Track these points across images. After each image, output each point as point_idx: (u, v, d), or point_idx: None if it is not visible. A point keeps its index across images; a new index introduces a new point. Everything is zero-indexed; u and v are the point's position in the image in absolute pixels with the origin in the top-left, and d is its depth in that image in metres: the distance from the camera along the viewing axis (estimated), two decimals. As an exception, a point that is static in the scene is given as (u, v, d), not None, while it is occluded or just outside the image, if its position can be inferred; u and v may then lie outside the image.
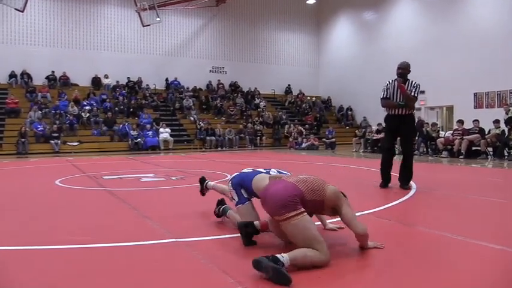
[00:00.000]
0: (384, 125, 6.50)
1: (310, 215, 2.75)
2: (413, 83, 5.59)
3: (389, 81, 5.72)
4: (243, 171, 3.57)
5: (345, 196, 2.90)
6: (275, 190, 2.70)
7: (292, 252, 2.46)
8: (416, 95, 5.53)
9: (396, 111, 5.60)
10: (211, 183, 4.17)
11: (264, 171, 3.48)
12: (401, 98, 5.52)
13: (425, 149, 13.53)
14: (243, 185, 3.42)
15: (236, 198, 3.42)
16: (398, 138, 6.02)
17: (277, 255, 2.37)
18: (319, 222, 3.44)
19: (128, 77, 21.42)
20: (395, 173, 5.84)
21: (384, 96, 5.70)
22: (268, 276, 2.30)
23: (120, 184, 6.80)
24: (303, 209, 2.61)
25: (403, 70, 5.61)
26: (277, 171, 3.50)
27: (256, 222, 3.02)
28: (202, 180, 4.21)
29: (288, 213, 2.56)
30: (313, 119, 22.63)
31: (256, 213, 3.37)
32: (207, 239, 3.23)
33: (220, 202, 3.79)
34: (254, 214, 3.35)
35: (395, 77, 5.67)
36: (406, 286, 2.30)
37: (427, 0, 19.19)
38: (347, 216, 2.79)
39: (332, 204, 2.80)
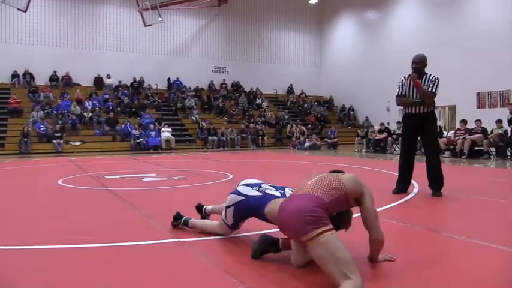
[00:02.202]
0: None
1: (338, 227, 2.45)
2: (431, 77, 5.09)
3: (404, 77, 5.27)
4: (250, 193, 2.93)
5: None
6: (292, 209, 2.33)
7: None
8: (434, 90, 5.03)
9: (414, 109, 5.17)
10: (209, 207, 3.64)
11: (279, 194, 2.88)
12: (417, 94, 5.11)
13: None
14: (247, 216, 2.99)
15: (229, 222, 3.05)
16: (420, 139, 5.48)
17: None
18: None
19: (134, 77, 21.48)
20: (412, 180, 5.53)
21: (399, 93, 5.26)
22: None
23: (122, 184, 6.80)
24: (331, 225, 2.25)
25: (418, 64, 5.11)
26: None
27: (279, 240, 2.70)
28: (199, 208, 3.70)
29: (315, 229, 2.20)
30: (315, 119, 22.62)
31: None
32: (208, 239, 3.21)
33: (177, 217, 3.49)
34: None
35: (402, 75, 5.34)
36: (406, 286, 2.30)
37: (429, 0, 19.17)
38: (368, 212, 2.43)
39: (355, 194, 2.45)
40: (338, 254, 2.12)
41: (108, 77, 21.19)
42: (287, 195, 2.81)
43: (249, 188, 2.96)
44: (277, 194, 2.87)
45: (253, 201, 2.85)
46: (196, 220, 3.47)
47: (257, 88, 24.02)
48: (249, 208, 2.88)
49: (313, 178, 2.53)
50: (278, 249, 2.68)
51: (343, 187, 2.41)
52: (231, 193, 3.03)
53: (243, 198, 2.91)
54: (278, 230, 2.63)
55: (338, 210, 2.47)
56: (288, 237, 2.59)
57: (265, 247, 2.66)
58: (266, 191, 2.91)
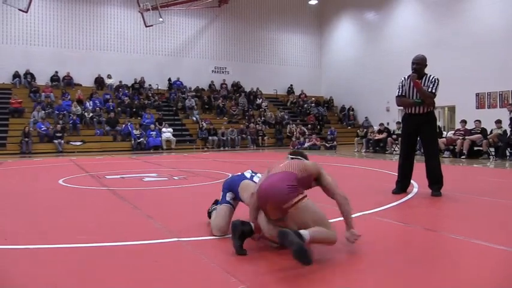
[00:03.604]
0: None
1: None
2: (431, 77, 5.10)
3: (404, 78, 5.27)
4: (237, 174, 3.52)
5: None
6: (273, 182, 2.78)
7: (311, 229, 2.58)
8: (434, 90, 5.04)
9: (413, 109, 5.18)
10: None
11: (249, 176, 3.43)
12: (417, 95, 5.10)
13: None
14: (232, 189, 3.40)
15: (219, 199, 3.49)
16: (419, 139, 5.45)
17: (301, 231, 2.50)
18: None
19: (135, 79, 21.51)
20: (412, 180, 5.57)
21: (399, 94, 5.26)
22: (291, 250, 2.38)
23: (123, 184, 6.83)
24: (305, 193, 2.74)
25: (418, 64, 5.10)
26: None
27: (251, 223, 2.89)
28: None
29: (295, 197, 2.67)
30: (314, 119, 22.64)
31: (230, 219, 3.23)
32: (209, 239, 3.24)
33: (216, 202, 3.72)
34: (226, 219, 3.26)
35: (402, 75, 5.36)
36: (406, 286, 2.32)
37: (429, 0, 19.18)
38: (330, 185, 2.94)
39: (315, 176, 2.98)
40: (316, 214, 2.68)
41: (109, 77, 21.21)
42: (254, 179, 3.34)
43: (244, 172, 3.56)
44: (248, 175, 3.44)
45: (236, 178, 3.45)
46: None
47: (257, 88, 24.03)
48: (232, 181, 3.43)
49: (284, 162, 3.02)
50: (251, 230, 2.84)
51: (310, 169, 2.96)
52: None
53: (235, 175, 3.52)
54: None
55: (305, 188, 2.93)
56: (256, 221, 2.90)
57: (240, 229, 2.79)
58: (244, 173, 3.48)
